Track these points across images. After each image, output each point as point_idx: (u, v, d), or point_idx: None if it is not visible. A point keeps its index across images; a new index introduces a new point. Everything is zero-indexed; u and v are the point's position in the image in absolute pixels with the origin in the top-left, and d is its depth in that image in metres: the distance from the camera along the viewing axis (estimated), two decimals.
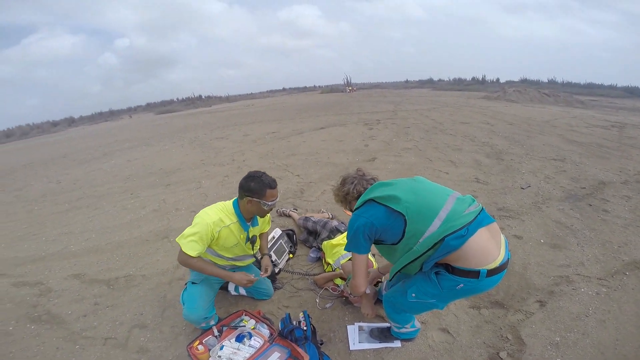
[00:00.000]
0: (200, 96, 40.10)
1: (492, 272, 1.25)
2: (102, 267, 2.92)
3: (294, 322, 1.82)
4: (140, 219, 3.96)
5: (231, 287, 2.29)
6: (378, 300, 2.12)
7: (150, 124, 18.16)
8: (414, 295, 1.44)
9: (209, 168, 5.97)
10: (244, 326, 1.85)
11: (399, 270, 1.44)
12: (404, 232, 1.31)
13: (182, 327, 2.07)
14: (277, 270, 2.46)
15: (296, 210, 3.56)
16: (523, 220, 3.11)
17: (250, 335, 1.76)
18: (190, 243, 1.72)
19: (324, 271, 2.49)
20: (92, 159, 8.82)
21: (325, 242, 2.63)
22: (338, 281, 2.31)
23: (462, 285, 1.29)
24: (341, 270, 2.28)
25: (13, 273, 3.00)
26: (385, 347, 1.81)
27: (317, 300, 2.21)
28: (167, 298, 2.38)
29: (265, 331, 1.84)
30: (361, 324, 1.97)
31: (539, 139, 6.41)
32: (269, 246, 2.45)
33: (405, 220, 1.30)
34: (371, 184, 1.57)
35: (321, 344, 1.81)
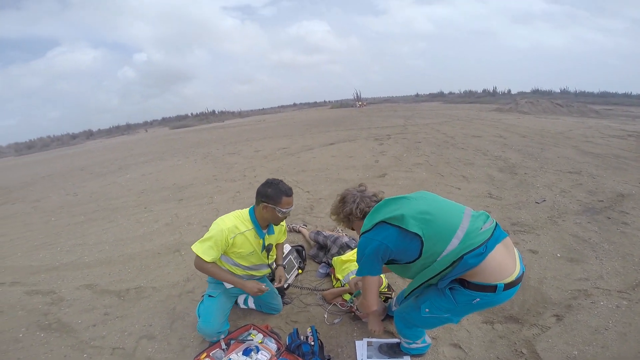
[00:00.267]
0: (213, 111, 41.09)
1: (508, 286, 1.25)
2: (113, 279, 2.97)
3: (302, 337, 1.81)
4: (152, 232, 4.03)
5: (240, 300, 2.29)
6: (387, 316, 2.08)
7: (165, 139, 18.64)
8: (427, 310, 1.43)
9: (220, 184, 6.06)
10: (252, 340, 1.84)
11: (416, 288, 1.43)
12: (420, 252, 1.30)
13: (190, 339, 2.08)
14: (285, 285, 2.45)
15: (306, 226, 3.57)
16: (538, 234, 3.03)
17: (258, 349, 1.75)
18: (205, 249, 1.78)
19: (333, 287, 2.47)
20: (108, 172, 9.07)
21: (335, 258, 2.62)
22: (347, 297, 2.28)
23: (478, 299, 1.29)
24: (349, 286, 2.26)
25: (27, 281, 3.09)
26: None
27: (326, 316, 2.18)
28: (177, 310, 2.40)
29: (273, 345, 1.82)
30: (370, 339, 1.93)
31: (553, 151, 6.29)
32: None
33: (422, 240, 1.28)
34: (374, 201, 1.54)
35: (328, 359, 1.78)
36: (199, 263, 1.82)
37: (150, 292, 2.69)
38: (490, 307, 1.43)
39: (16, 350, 2.13)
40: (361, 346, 1.89)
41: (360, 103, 30.03)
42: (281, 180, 1.84)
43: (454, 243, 1.25)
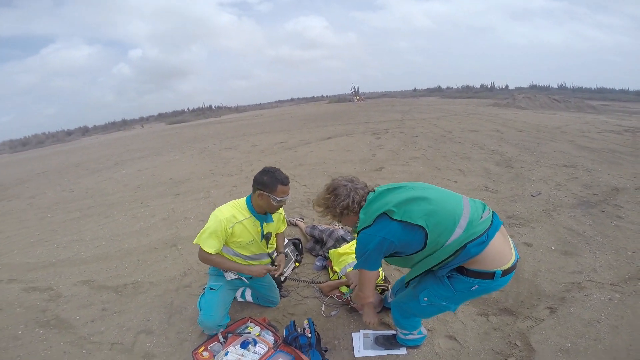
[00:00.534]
0: (210, 106, 40.79)
1: (505, 273, 1.27)
2: (110, 274, 2.97)
3: (299, 330, 1.82)
4: (149, 227, 4.02)
5: (238, 294, 2.30)
6: (384, 308, 2.09)
7: (161, 134, 18.52)
8: (426, 299, 1.43)
9: (217, 178, 6.05)
10: (249, 333, 1.85)
11: (415, 277, 1.44)
12: (425, 243, 1.28)
13: (188, 333, 2.09)
14: (283, 278, 2.46)
15: (303, 219, 3.57)
16: (533, 227, 3.06)
17: (255, 342, 1.76)
18: (207, 240, 1.79)
19: (330, 279, 2.48)
20: (104, 168, 9.02)
21: (331, 251, 2.63)
22: (344, 289, 2.29)
23: (477, 286, 1.30)
24: (347, 279, 2.27)
25: (24, 278, 3.08)
26: (391, 354, 1.79)
27: (323, 308, 2.20)
28: (174, 305, 2.40)
29: (270, 338, 1.83)
30: (366, 331, 1.95)
31: (549, 145, 6.31)
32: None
33: (426, 232, 1.26)
34: (367, 192, 1.46)
35: (325, 351, 1.80)
36: (203, 255, 1.84)
37: (148, 287, 2.69)
38: (487, 294, 1.43)
39: (16, 348, 2.13)
40: (358, 338, 1.90)
41: (357, 98, 29.93)
42: (278, 169, 1.83)
43: (458, 232, 1.25)
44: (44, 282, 2.97)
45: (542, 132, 7.79)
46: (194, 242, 1.85)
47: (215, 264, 1.90)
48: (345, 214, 1.45)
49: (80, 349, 2.07)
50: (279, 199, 1.78)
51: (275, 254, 2.15)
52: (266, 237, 1.98)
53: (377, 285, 2.20)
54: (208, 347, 1.78)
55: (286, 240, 2.78)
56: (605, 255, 2.54)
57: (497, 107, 15.35)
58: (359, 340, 1.88)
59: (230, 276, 1.96)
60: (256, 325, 1.93)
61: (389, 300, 2.03)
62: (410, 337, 1.72)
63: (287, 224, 3.44)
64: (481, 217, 1.29)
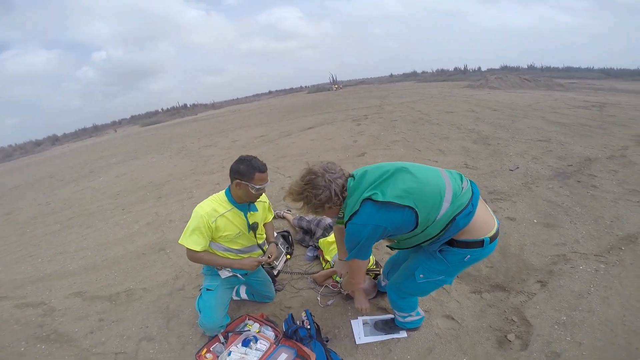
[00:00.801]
0: (185, 105, 39.83)
1: (492, 239, 1.30)
2: (101, 284, 2.89)
3: (298, 322, 1.82)
4: (134, 233, 3.91)
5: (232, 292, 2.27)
6: (379, 292, 2.12)
7: (136, 137, 17.93)
8: (422, 276, 1.44)
9: (199, 177, 5.93)
10: (249, 330, 1.84)
11: (413, 251, 1.47)
12: (416, 222, 1.25)
13: (189, 336, 2.07)
14: (275, 272, 2.45)
15: (290, 211, 3.55)
16: (514, 201, 3.16)
17: (256, 339, 1.76)
18: (191, 238, 1.74)
19: (323, 269, 2.48)
20: (80, 177, 8.66)
21: (321, 240, 2.64)
22: (338, 277, 2.30)
23: (469, 256, 1.33)
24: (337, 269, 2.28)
25: (14, 295, 2.97)
26: (392, 339, 1.81)
27: (319, 298, 2.21)
28: (170, 309, 2.36)
29: (270, 333, 1.83)
30: (364, 317, 1.97)
31: (523, 122, 6.51)
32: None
33: (416, 212, 1.23)
34: (345, 180, 1.37)
35: (327, 341, 1.82)
36: (191, 254, 1.79)
37: (141, 293, 2.64)
38: (479, 261, 1.44)
39: None
40: (357, 325, 1.92)
41: (336, 86, 29.88)
42: (254, 157, 1.77)
43: (445, 207, 1.25)
44: (35, 297, 2.87)
45: (515, 110, 8.03)
46: (179, 242, 1.79)
47: (205, 262, 1.85)
48: (327, 207, 1.35)
49: None
50: (257, 187, 1.72)
51: (266, 244, 2.12)
52: (252, 227, 1.92)
53: (370, 270, 2.22)
54: (210, 349, 1.77)
55: (275, 234, 2.76)
56: (586, 226, 2.64)
57: (471, 88, 15.71)
58: (359, 327, 1.90)
59: (225, 274, 1.92)
60: (255, 322, 1.92)
61: (382, 284, 2.06)
62: (409, 319, 1.74)
63: (276, 217, 3.44)
64: (462, 188, 1.31)
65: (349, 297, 2.16)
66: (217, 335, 1.85)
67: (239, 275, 1.97)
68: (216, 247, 1.87)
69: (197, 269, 2.73)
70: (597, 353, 1.59)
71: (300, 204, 1.39)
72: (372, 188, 1.27)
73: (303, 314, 1.87)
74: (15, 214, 6.21)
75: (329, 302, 2.16)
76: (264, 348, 1.71)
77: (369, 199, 1.25)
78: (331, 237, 2.55)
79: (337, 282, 2.28)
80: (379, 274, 2.20)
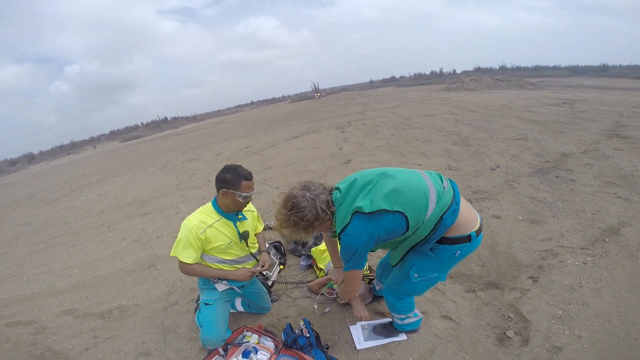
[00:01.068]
0: (165, 118, 39.33)
1: (477, 232, 1.37)
2: (92, 301, 2.83)
3: (296, 331, 1.82)
4: (122, 250, 3.83)
5: None
6: (374, 297, 2.14)
7: (117, 153, 17.53)
8: (416, 275, 1.48)
9: (184, 192, 5.86)
10: (248, 342, 1.83)
11: (405, 254, 1.49)
12: (408, 225, 1.30)
13: (187, 350, 2.04)
14: (270, 283, 2.45)
15: None
16: (498, 200, 3.27)
17: (256, 350, 1.75)
18: (182, 251, 1.74)
19: (317, 277, 2.50)
20: (61, 196, 8.40)
21: (313, 249, 2.65)
22: (334, 285, 2.32)
23: (459, 252, 1.39)
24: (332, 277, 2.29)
25: (3, 314, 2.89)
26: (392, 342, 1.82)
27: (315, 307, 2.21)
28: (166, 324, 2.33)
29: (270, 344, 1.83)
30: (363, 322, 1.98)
31: (500, 122, 6.76)
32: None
33: (406, 216, 1.27)
34: (330, 195, 1.40)
35: (327, 348, 1.82)
36: (183, 267, 1.79)
37: (134, 309, 2.59)
38: (468, 255, 1.49)
39: None
40: (356, 330, 1.93)
41: (318, 94, 30.14)
42: (239, 165, 1.79)
43: (431, 207, 1.30)
44: (25, 315, 2.79)
45: (491, 110, 8.33)
46: (170, 254, 1.79)
47: (198, 274, 1.85)
48: (317, 224, 1.37)
49: None
50: (244, 194, 1.75)
51: (259, 254, 2.13)
52: (243, 236, 1.92)
53: (364, 276, 2.24)
54: None
55: (267, 245, 2.75)
56: (569, 220, 2.73)
57: (448, 91, 16.18)
58: (358, 333, 1.91)
59: (221, 287, 1.92)
60: (253, 333, 1.91)
61: (377, 288, 2.09)
62: (407, 320, 1.75)
63: (266, 228, 3.43)
64: (444, 188, 1.37)
65: (346, 303, 2.17)
66: (217, 348, 1.83)
67: (236, 288, 1.97)
68: (210, 259, 1.87)
69: (190, 283, 2.71)
70: (597, 345, 1.61)
71: (290, 230, 1.40)
72: (359, 199, 1.30)
73: (301, 323, 1.87)
74: None
75: (326, 310, 2.17)
76: (265, 359, 1.70)
77: (358, 210, 1.28)
78: (323, 246, 2.57)
79: (334, 289, 2.29)
80: (373, 279, 2.22)
